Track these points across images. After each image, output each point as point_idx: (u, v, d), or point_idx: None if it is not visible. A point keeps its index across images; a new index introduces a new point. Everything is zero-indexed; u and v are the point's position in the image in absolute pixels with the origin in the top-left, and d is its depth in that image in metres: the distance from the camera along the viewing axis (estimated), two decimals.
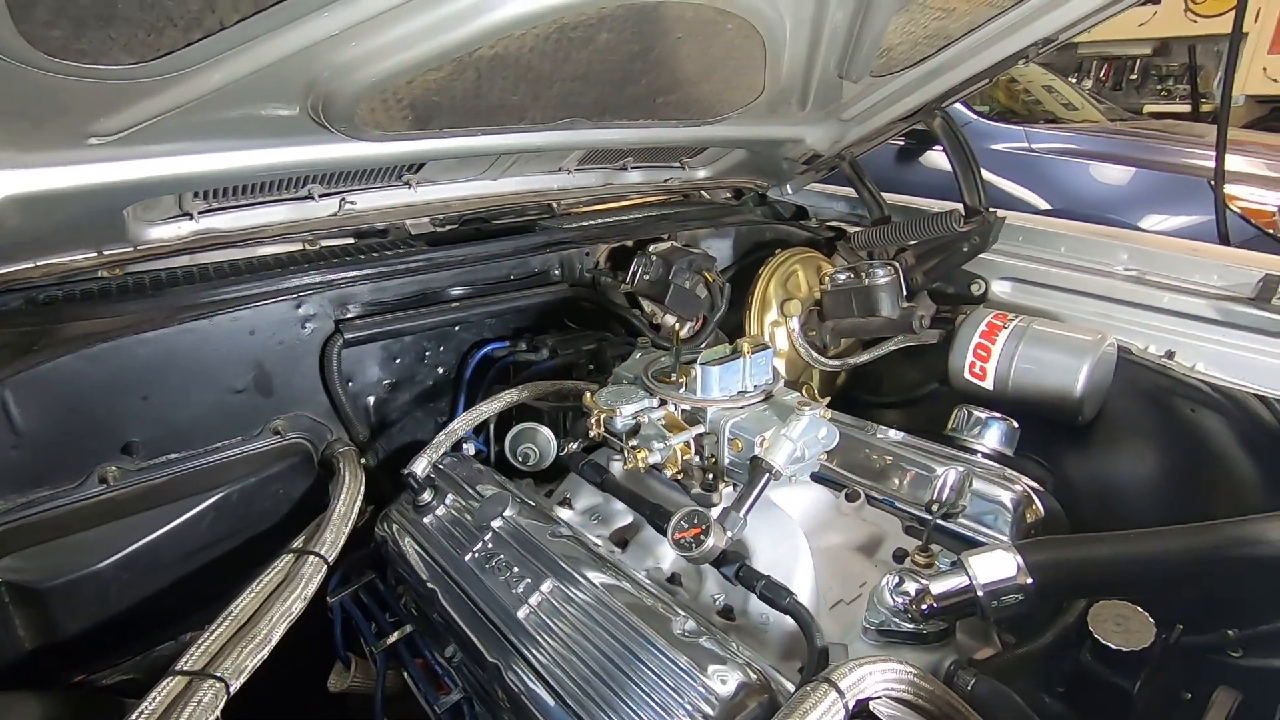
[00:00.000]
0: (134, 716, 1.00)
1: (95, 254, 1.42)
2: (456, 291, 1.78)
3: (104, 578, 1.30)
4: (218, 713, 1.03)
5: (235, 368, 1.49)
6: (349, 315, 1.62)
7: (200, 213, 1.50)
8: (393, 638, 1.38)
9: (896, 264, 1.95)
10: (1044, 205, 4.06)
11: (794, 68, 1.64)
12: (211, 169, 1.27)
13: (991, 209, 1.95)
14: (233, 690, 1.06)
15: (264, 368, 1.53)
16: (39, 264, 1.37)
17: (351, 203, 1.69)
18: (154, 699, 1.02)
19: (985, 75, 1.88)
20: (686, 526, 1.12)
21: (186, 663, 1.09)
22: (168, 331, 1.39)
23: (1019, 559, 1.00)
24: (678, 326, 1.96)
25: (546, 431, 1.56)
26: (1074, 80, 6.51)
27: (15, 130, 1.05)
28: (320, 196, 1.64)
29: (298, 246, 1.71)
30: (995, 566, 1.01)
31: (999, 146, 4.26)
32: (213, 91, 1.05)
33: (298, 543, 1.35)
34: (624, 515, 1.42)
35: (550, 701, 1.01)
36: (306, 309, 1.56)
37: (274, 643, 1.15)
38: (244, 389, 1.51)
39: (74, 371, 1.31)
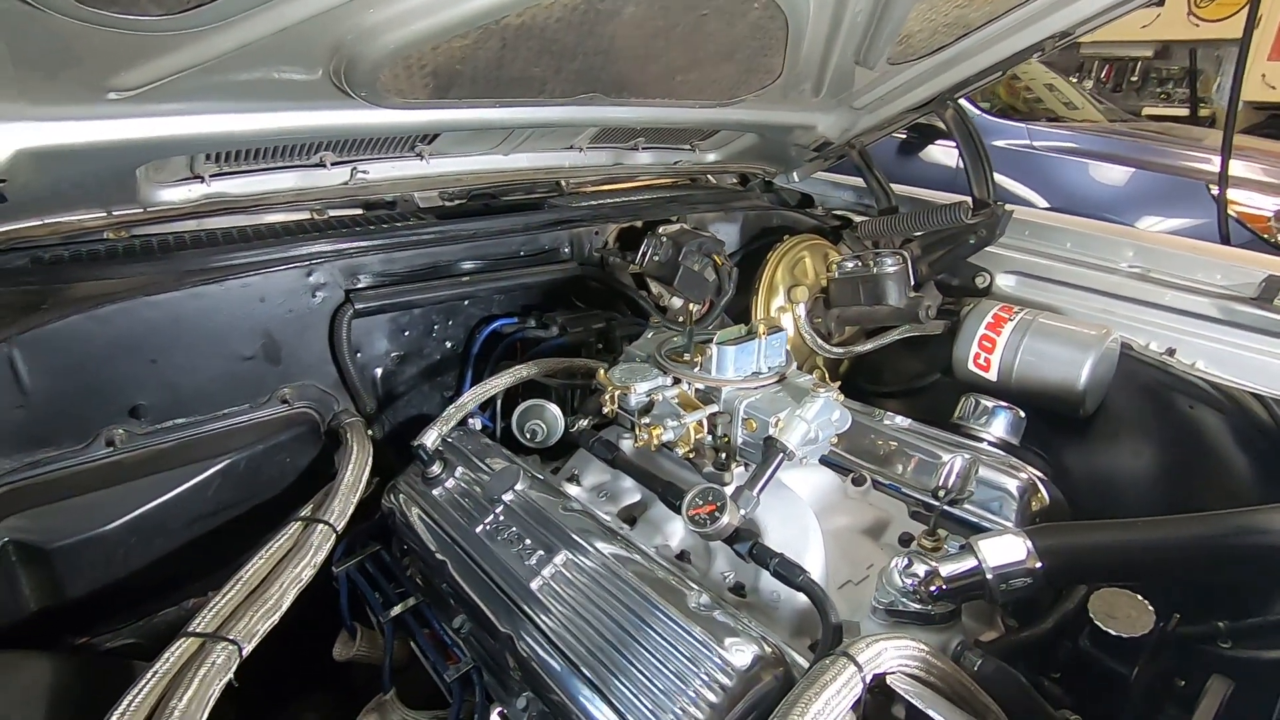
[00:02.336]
0: (147, 677, 1.00)
1: (104, 214, 1.40)
2: (466, 266, 1.77)
3: (110, 540, 1.30)
4: (230, 675, 1.03)
5: (244, 334, 1.48)
6: (359, 285, 1.61)
7: (211, 176, 1.48)
8: (398, 608, 1.39)
9: (904, 254, 1.96)
10: (1043, 203, 4.08)
11: (812, 52, 1.64)
12: (229, 129, 1.25)
13: (999, 202, 1.96)
14: (245, 653, 1.07)
15: (273, 336, 1.52)
16: (46, 222, 1.35)
17: (364, 172, 1.67)
18: (167, 660, 1.02)
19: (999, 68, 1.88)
20: (701, 503, 1.13)
21: (199, 625, 1.09)
22: (177, 295, 1.38)
23: (1029, 543, 1.02)
24: (690, 308, 1.96)
25: (554, 408, 1.56)
26: (1075, 80, 6.53)
27: (28, 81, 1.02)
28: (332, 165, 1.61)
29: (305, 215, 1.69)
30: (1005, 550, 1.02)
31: (1001, 143, 4.27)
32: (237, 49, 1.03)
33: (306, 511, 1.35)
34: (632, 493, 1.43)
35: (564, 669, 1.02)
36: (317, 277, 1.54)
37: (284, 608, 1.16)
38: (252, 356, 1.50)
39: (82, 332, 1.29)
